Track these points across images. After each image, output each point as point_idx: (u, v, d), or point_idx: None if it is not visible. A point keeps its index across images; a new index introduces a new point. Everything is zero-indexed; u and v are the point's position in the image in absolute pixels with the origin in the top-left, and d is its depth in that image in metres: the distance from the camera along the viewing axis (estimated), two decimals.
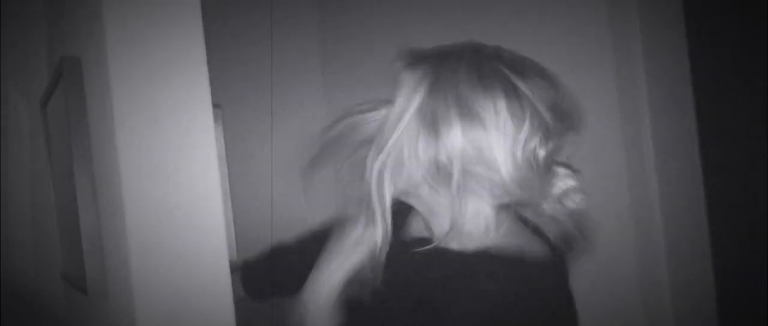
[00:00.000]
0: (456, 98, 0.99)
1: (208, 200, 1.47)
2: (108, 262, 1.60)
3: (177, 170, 1.45)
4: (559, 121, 1.01)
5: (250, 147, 2.86)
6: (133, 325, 1.42)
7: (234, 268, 1.52)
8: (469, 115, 0.98)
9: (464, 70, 1.01)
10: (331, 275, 1.12)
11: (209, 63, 1.43)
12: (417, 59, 1.07)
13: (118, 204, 1.43)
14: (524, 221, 1.11)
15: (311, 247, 1.27)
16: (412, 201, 1.12)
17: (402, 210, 1.17)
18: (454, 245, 1.05)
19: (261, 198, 2.86)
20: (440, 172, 1.00)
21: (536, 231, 1.09)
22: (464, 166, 0.99)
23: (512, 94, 0.99)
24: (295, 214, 1.51)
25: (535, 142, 0.99)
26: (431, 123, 1.00)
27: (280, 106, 2.90)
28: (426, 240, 1.08)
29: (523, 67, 1.03)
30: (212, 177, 1.47)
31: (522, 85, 1.00)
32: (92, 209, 1.62)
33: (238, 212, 2.46)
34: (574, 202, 1.06)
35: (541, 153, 1.00)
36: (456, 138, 0.98)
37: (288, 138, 2.83)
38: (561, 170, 1.06)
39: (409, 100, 1.04)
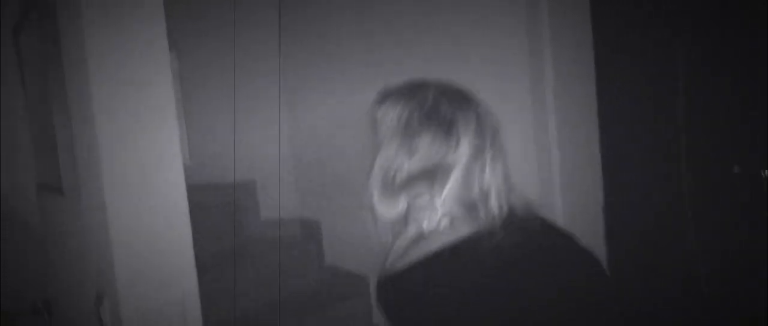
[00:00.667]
0: (402, 136, 1.20)
1: (167, 113, 1.76)
2: (80, 167, 1.87)
3: (142, 86, 1.73)
4: (488, 142, 1.20)
5: (204, 71, 3.13)
6: (105, 219, 1.72)
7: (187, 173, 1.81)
8: (412, 143, 1.19)
9: (412, 107, 1.21)
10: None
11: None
12: (383, 97, 1.27)
13: (90, 118, 1.70)
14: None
15: None
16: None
17: None
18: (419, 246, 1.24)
19: (214, 112, 3.15)
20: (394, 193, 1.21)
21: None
22: (410, 187, 1.20)
23: (446, 124, 1.19)
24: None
25: (466, 161, 1.17)
26: (389, 153, 1.21)
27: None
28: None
29: (459, 99, 1.24)
30: (168, 95, 1.76)
31: (457, 114, 1.20)
32: (67, 124, 1.88)
33: (191, 123, 2.77)
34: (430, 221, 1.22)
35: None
36: (406, 159, 1.19)
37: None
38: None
39: (380, 134, 1.24)
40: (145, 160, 1.74)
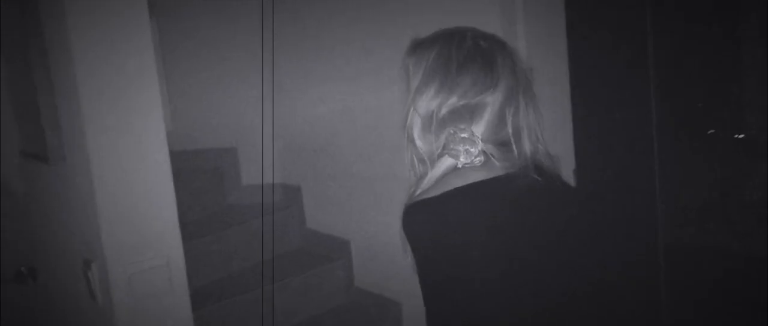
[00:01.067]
0: (444, 76, 1.26)
1: (149, 80, 1.80)
2: (65, 135, 1.90)
3: (124, 54, 1.76)
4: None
5: (186, 37, 3.16)
6: (91, 185, 1.76)
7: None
8: (450, 87, 1.25)
9: (452, 47, 1.27)
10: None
11: None
12: (415, 46, 1.33)
13: (73, 87, 1.73)
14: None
15: None
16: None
17: None
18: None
19: (197, 78, 3.18)
20: (434, 128, 1.26)
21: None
22: (451, 122, 1.25)
23: (488, 64, 1.26)
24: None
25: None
26: (429, 94, 1.26)
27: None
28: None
29: (496, 41, 1.31)
30: (150, 62, 1.80)
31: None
32: (50, 92, 1.91)
33: (173, 90, 2.80)
34: (468, 154, 1.26)
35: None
36: (443, 102, 1.25)
37: None
38: (462, 135, 1.26)
39: (413, 81, 1.30)
40: (129, 127, 1.78)
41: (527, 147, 1.27)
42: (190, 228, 2.61)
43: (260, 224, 3.01)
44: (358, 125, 2.81)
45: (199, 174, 3.11)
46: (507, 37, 2.19)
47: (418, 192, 1.28)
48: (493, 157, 1.26)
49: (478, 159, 1.25)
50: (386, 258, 2.83)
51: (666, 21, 2.83)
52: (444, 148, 1.26)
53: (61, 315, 2.32)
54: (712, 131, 4.03)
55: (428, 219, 1.23)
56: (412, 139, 1.29)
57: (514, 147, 1.26)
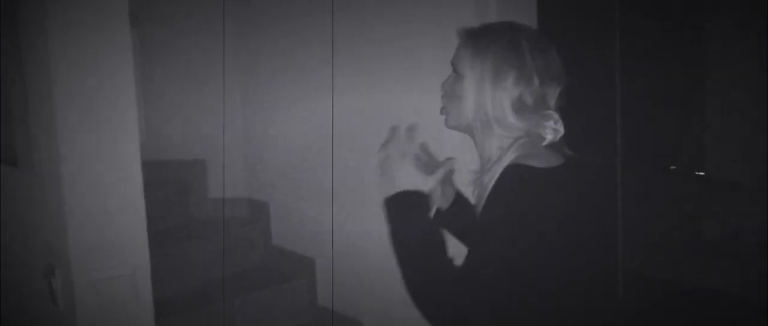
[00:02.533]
0: (490, 67, 1.37)
1: (126, 89, 1.80)
2: (36, 139, 1.89)
3: (102, 61, 1.76)
4: (550, 81, 1.39)
5: (165, 48, 3.16)
6: (60, 190, 1.75)
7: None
8: (496, 77, 1.37)
9: (495, 46, 1.38)
10: None
11: None
12: (463, 37, 1.43)
13: (48, 91, 1.73)
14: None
15: None
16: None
17: None
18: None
19: (171, 90, 3.17)
20: (478, 118, 1.39)
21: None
22: (488, 114, 1.38)
23: (522, 64, 1.38)
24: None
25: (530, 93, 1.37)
26: (471, 86, 1.39)
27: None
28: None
29: (536, 41, 1.41)
30: (128, 71, 1.80)
31: (530, 57, 1.38)
32: (23, 96, 1.90)
33: (149, 100, 2.80)
34: (556, 133, 1.39)
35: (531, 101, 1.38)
36: (487, 92, 1.38)
37: None
38: (549, 112, 1.40)
39: (460, 69, 1.41)
40: (103, 134, 1.78)
41: (561, 129, 1.40)
42: (156, 238, 2.59)
43: (223, 238, 3.01)
44: (329, 142, 2.82)
45: (164, 185, 3.10)
46: None
47: (488, 176, 1.38)
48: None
49: (560, 136, 1.39)
50: (351, 277, 2.84)
51: (634, 55, 2.90)
52: (527, 130, 1.38)
53: (20, 321, 2.29)
54: (674, 167, 4.14)
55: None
56: (491, 126, 1.38)
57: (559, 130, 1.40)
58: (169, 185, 3.13)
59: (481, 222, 1.35)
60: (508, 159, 1.37)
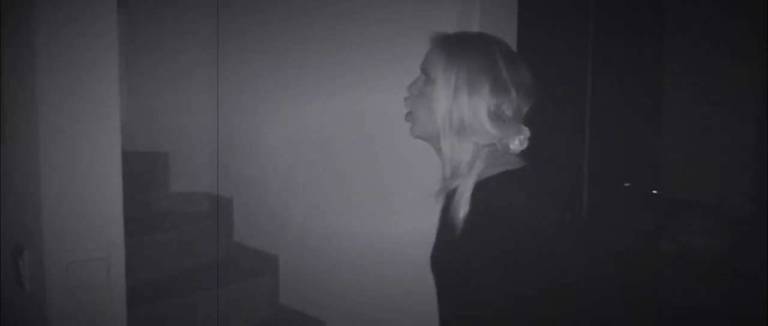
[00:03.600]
0: (465, 74, 1.39)
1: (109, 73, 1.77)
2: (10, 114, 1.83)
3: (86, 42, 1.73)
4: (524, 94, 1.41)
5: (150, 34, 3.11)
6: (37, 169, 1.70)
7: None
8: (471, 84, 1.38)
9: (470, 55, 1.40)
10: None
11: None
12: (437, 41, 1.45)
13: (31, 69, 1.69)
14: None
15: None
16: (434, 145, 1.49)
17: None
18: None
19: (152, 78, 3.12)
20: (450, 123, 1.40)
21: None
22: (463, 120, 1.39)
23: (498, 75, 1.40)
24: None
25: (508, 105, 1.40)
26: (443, 90, 1.40)
27: None
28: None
29: (509, 55, 1.43)
30: (113, 55, 1.77)
31: (504, 70, 1.40)
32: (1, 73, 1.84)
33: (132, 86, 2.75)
34: (522, 144, 1.42)
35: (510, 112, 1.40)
36: (463, 98, 1.39)
37: None
38: (522, 126, 1.43)
39: (432, 73, 1.42)
40: (84, 116, 1.74)
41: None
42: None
43: (185, 232, 2.96)
44: (297, 137, 2.81)
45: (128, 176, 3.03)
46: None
47: (460, 181, 1.39)
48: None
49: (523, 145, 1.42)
50: (315, 276, 2.83)
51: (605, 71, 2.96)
52: (499, 138, 1.41)
53: None
54: (628, 184, 4.24)
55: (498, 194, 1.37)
56: (465, 132, 1.39)
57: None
58: (133, 176, 3.07)
59: (471, 230, 1.35)
60: (479, 166, 1.38)
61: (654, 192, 4.29)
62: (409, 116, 1.46)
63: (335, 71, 2.67)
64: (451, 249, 1.39)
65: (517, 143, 1.40)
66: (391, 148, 2.48)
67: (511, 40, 2.44)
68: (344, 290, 2.70)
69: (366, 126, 2.56)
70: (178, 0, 3.12)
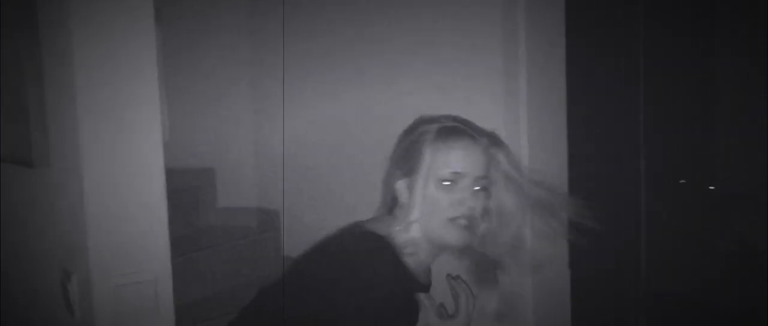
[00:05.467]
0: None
1: (150, 90, 1.74)
2: (54, 138, 1.82)
3: (126, 60, 1.70)
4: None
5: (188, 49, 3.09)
6: (80, 192, 1.67)
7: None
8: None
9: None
10: None
11: None
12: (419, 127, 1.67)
13: (70, 90, 1.66)
14: None
15: None
16: None
17: None
18: None
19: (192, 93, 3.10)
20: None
21: None
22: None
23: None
24: None
25: None
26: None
27: None
28: None
29: None
30: (151, 75, 1.74)
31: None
32: (40, 93, 1.83)
33: (172, 102, 2.73)
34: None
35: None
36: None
37: None
38: None
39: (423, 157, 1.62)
40: (125, 135, 1.71)
41: None
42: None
43: (234, 247, 2.94)
44: (344, 151, 2.76)
45: (175, 194, 3.02)
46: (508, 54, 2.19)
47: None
48: None
49: None
50: None
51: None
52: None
53: None
54: (684, 181, 4.10)
55: None
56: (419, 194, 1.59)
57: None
58: (180, 194, 3.05)
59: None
60: None
61: (711, 188, 4.14)
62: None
63: (377, 77, 2.61)
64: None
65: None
66: None
67: (560, 36, 2.36)
68: None
69: None
70: (215, 17, 3.10)
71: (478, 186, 1.56)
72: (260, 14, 3.08)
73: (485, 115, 1.99)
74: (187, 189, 3.10)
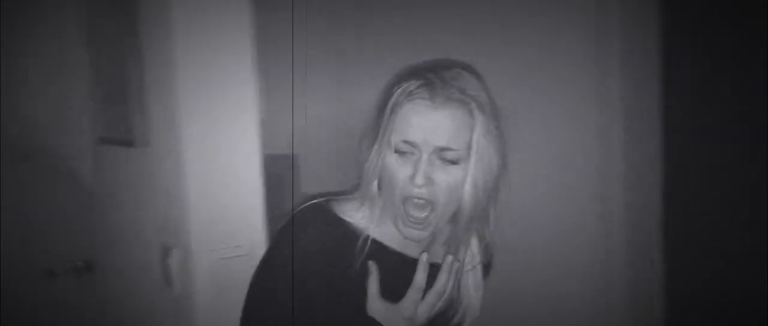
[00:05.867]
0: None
1: (246, 70, 1.78)
2: (153, 118, 1.88)
3: (223, 40, 1.74)
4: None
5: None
6: (181, 169, 1.73)
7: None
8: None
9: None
10: None
11: None
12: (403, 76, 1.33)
13: (169, 69, 1.72)
14: None
15: None
16: None
17: None
18: None
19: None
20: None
21: None
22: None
23: None
24: None
25: None
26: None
27: None
28: None
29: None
30: (248, 53, 1.78)
31: None
32: (140, 76, 1.89)
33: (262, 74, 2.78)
34: None
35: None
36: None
37: None
38: None
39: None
40: (223, 115, 1.76)
41: None
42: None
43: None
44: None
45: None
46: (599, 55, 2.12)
47: None
48: None
49: None
50: None
51: None
52: None
53: (123, 306, 2.29)
54: None
55: None
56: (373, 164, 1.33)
57: None
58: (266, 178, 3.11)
59: None
60: None
61: None
62: None
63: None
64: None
65: None
66: (541, 150, 2.32)
67: (655, 35, 2.27)
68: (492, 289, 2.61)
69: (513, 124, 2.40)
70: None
71: (443, 159, 1.26)
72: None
73: (577, 115, 1.96)
74: (271, 175, 3.15)
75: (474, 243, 1.40)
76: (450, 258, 1.29)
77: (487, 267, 1.47)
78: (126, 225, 2.18)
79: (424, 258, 1.27)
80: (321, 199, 1.42)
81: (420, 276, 1.26)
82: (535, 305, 2.25)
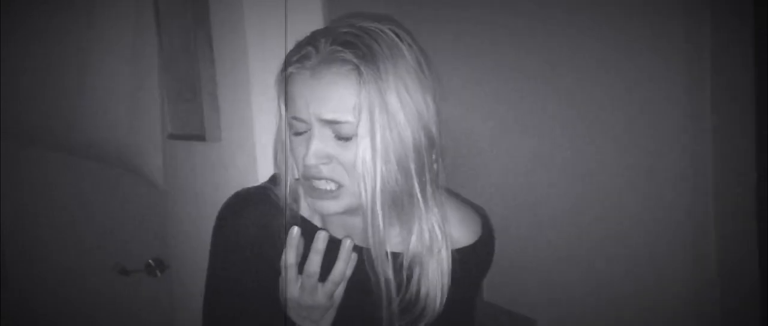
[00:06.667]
0: None
1: None
2: (224, 113, 1.86)
3: (292, 28, 1.70)
4: None
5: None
6: (254, 163, 1.70)
7: None
8: None
9: None
10: None
11: None
12: None
13: (243, 64, 1.69)
14: None
15: None
16: None
17: None
18: None
19: None
20: None
21: None
22: None
23: None
24: None
25: None
26: None
27: None
28: None
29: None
30: None
31: None
32: (211, 70, 1.87)
33: None
34: None
35: None
36: None
37: None
38: None
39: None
40: None
41: None
42: None
43: None
44: (517, 134, 2.60)
45: None
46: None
47: None
48: None
49: None
50: (518, 271, 2.67)
51: None
52: None
53: (196, 303, 2.27)
54: None
55: None
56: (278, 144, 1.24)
57: None
58: None
59: None
60: None
61: None
62: None
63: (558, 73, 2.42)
64: None
65: None
66: (617, 148, 2.20)
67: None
68: (556, 288, 2.53)
69: (591, 125, 2.29)
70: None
71: (338, 135, 1.09)
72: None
73: (665, 115, 1.86)
74: None
75: (436, 227, 1.18)
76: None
77: (473, 256, 1.30)
78: (198, 222, 2.16)
79: (346, 243, 1.09)
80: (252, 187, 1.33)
81: (340, 267, 1.09)
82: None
